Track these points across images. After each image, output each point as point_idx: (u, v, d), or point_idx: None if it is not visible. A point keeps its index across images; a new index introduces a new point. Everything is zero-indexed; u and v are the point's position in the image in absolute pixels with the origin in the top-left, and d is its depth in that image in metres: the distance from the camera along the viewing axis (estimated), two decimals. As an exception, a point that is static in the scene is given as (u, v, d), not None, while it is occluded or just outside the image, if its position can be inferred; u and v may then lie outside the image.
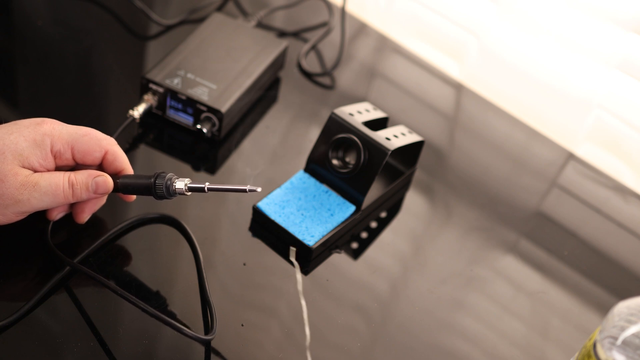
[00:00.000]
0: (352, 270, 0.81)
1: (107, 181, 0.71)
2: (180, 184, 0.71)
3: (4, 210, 0.68)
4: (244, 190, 0.70)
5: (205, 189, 0.71)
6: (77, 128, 0.71)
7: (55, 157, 0.70)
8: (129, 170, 0.74)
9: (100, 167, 0.73)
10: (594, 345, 0.65)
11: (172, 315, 0.71)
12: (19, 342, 0.67)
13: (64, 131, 0.70)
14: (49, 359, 0.67)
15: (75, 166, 0.73)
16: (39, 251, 0.73)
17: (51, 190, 0.68)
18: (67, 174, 0.70)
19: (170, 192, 0.72)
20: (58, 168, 0.71)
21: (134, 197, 0.76)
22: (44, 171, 0.69)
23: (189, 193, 0.72)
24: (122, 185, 0.72)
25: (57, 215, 0.73)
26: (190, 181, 0.72)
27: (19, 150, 0.68)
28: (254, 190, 0.70)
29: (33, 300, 0.69)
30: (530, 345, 0.78)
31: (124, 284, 0.73)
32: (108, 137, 0.73)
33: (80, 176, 0.70)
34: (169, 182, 0.71)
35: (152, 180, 0.71)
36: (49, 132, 0.70)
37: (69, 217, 0.75)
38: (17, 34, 1.00)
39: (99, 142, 0.72)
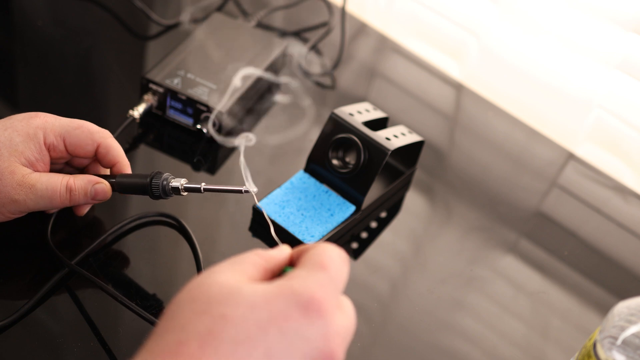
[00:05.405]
0: (352, 270, 0.81)
1: (106, 189, 0.71)
2: (176, 184, 0.71)
3: (0, 208, 0.68)
4: (240, 191, 0.70)
5: (202, 189, 0.71)
6: (70, 121, 0.71)
7: (49, 149, 0.70)
8: (124, 162, 0.73)
9: (95, 159, 0.73)
10: (594, 345, 0.65)
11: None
12: (19, 342, 0.67)
13: (56, 124, 0.70)
14: (48, 359, 0.67)
15: (72, 160, 0.73)
16: (38, 251, 0.73)
17: (48, 194, 0.68)
18: (66, 177, 0.69)
19: (167, 192, 0.72)
20: (54, 161, 0.71)
21: None
22: (41, 165, 0.69)
23: (185, 193, 0.72)
24: (119, 185, 0.72)
25: (54, 210, 0.74)
26: (187, 181, 0.72)
27: (14, 145, 0.68)
28: (249, 192, 0.70)
29: (33, 300, 0.69)
30: (530, 345, 0.78)
31: (123, 284, 0.73)
32: (102, 129, 0.72)
33: (80, 181, 0.70)
34: (164, 183, 0.71)
35: (148, 180, 0.71)
36: (42, 125, 0.69)
37: (70, 215, 0.75)
38: (17, 34, 1.00)
39: (91, 135, 0.71)
